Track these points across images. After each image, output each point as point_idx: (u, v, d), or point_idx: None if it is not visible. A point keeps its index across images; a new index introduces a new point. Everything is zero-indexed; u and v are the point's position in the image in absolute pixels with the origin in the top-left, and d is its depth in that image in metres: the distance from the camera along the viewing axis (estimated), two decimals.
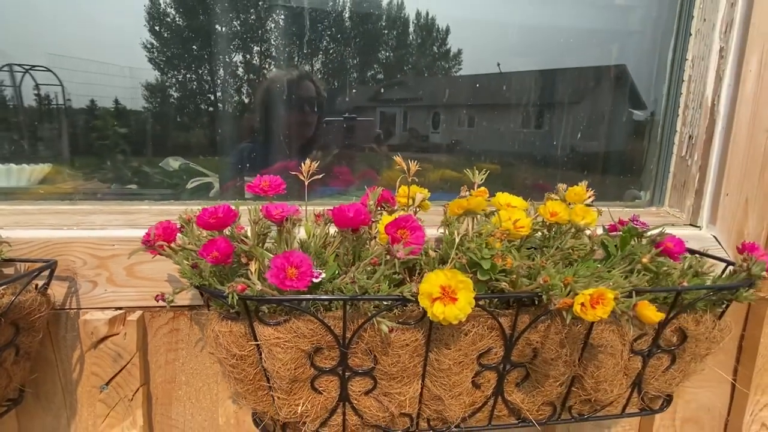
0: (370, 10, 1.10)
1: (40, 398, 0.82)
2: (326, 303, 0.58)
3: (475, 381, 0.65)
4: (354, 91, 1.13)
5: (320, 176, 0.79)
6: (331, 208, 0.66)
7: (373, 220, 0.73)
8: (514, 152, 1.15)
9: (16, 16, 1.01)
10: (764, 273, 0.64)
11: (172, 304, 0.56)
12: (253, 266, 0.60)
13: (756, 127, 0.88)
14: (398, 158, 0.73)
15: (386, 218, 0.65)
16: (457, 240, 0.59)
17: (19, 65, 1.07)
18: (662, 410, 0.75)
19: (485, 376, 0.65)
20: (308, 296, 0.56)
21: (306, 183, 0.78)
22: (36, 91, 1.09)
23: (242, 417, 0.85)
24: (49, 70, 1.08)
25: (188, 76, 1.13)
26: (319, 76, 1.11)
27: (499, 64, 1.17)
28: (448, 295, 0.55)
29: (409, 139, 1.20)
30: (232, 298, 0.51)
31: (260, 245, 0.67)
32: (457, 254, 0.62)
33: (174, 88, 1.13)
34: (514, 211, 0.69)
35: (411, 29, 1.13)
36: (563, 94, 1.16)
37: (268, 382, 0.61)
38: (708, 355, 0.71)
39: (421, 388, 0.64)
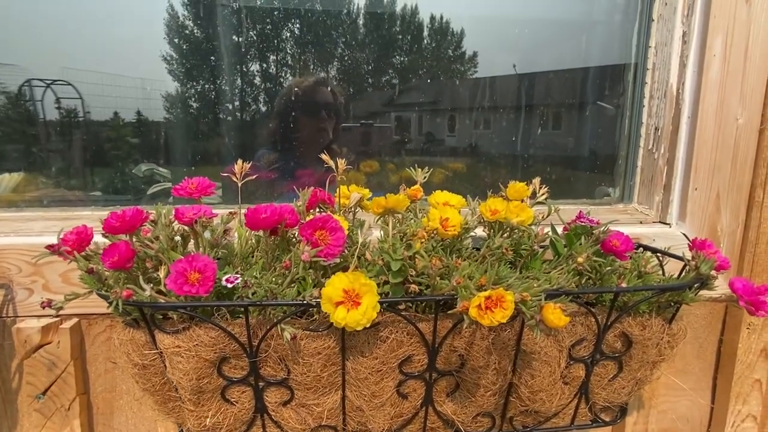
0: (384, 16, 1.10)
1: None
2: (231, 310, 0.55)
3: (400, 391, 0.61)
4: (369, 96, 1.12)
5: (254, 177, 0.77)
6: None
7: (302, 221, 0.70)
8: (516, 152, 1.10)
9: (33, 32, 1.00)
10: (713, 272, 0.59)
11: (65, 312, 0.54)
12: (162, 271, 0.58)
13: (724, 116, 0.82)
14: (325, 156, 0.70)
15: None
16: (360, 240, 0.55)
17: (40, 80, 1.07)
18: (616, 422, 0.70)
19: (411, 385, 0.61)
20: (199, 303, 0.53)
21: (239, 184, 0.76)
22: (58, 105, 1.08)
23: None
24: (70, 84, 1.08)
25: (205, 86, 1.11)
26: (335, 83, 1.11)
27: (515, 66, 1.14)
28: (351, 299, 0.51)
29: (424, 143, 1.19)
30: (116, 304, 0.49)
31: (179, 249, 0.64)
32: (380, 256, 0.59)
33: (193, 99, 1.12)
34: (445, 210, 0.65)
35: (425, 33, 1.12)
36: (557, 95, 1.12)
37: (177, 392, 0.58)
38: (661, 362, 0.65)
39: (343, 399, 0.60)
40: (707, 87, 0.81)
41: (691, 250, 0.62)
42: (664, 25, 0.86)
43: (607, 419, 0.69)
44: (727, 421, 0.89)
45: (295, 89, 1.09)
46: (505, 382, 0.61)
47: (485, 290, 0.51)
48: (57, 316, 0.78)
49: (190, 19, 1.07)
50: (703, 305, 0.88)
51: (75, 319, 0.79)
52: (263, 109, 1.14)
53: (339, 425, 0.62)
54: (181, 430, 0.68)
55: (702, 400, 0.92)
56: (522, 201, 0.74)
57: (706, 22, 0.79)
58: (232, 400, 0.58)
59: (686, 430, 0.93)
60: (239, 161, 0.74)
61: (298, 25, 1.08)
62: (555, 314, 0.46)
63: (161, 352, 0.55)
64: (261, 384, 0.58)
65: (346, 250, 0.62)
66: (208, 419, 0.57)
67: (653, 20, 0.88)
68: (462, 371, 0.60)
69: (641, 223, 0.90)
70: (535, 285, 0.51)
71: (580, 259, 0.59)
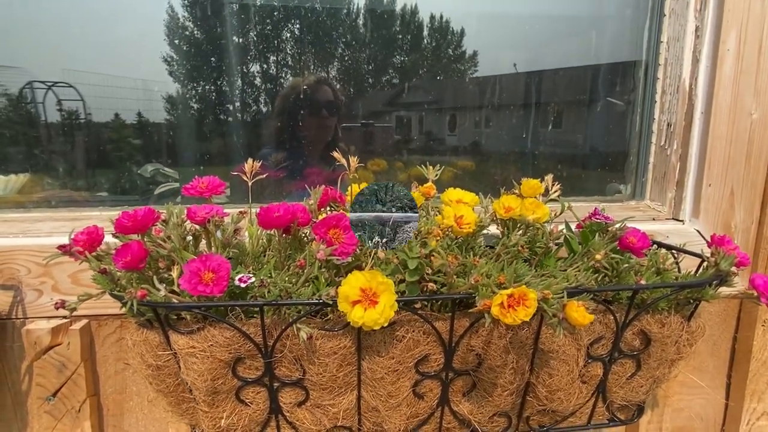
0: (384, 16, 1.09)
1: None
2: (245, 310, 0.55)
3: (416, 391, 0.60)
4: (370, 96, 1.12)
5: (264, 176, 0.76)
6: None
7: (314, 220, 0.69)
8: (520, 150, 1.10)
9: (33, 33, 0.99)
10: (734, 268, 0.58)
11: (75, 313, 0.53)
12: (175, 271, 0.57)
13: (738, 111, 0.81)
14: (337, 154, 0.69)
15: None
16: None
17: (41, 82, 1.06)
18: (632, 421, 0.69)
19: (427, 385, 0.60)
20: (214, 303, 0.52)
21: (249, 183, 0.75)
22: (59, 107, 1.07)
23: None
24: (71, 86, 1.07)
25: (207, 87, 1.11)
26: (335, 83, 1.10)
27: (515, 65, 1.14)
28: (368, 298, 0.51)
29: (425, 142, 1.19)
30: (131, 305, 0.48)
31: (190, 249, 0.64)
32: (395, 254, 0.58)
33: (194, 99, 1.11)
34: (459, 207, 0.65)
35: (425, 32, 1.11)
36: (565, 93, 1.11)
37: (191, 394, 0.57)
38: (680, 360, 0.65)
39: (358, 399, 0.59)
40: (721, 82, 0.80)
41: (709, 246, 0.62)
42: (677, 20, 0.85)
43: (624, 418, 0.68)
44: (741, 419, 0.88)
45: (296, 88, 1.08)
46: (522, 381, 0.60)
47: (505, 288, 0.50)
48: (67, 317, 0.78)
49: (190, 20, 1.06)
50: (717, 302, 0.87)
51: (85, 321, 0.78)
52: (264, 109, 1.13)
53: (354, 426, 0.61)
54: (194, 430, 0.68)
55: (717, 397, 0.91)
56: (535, 198, 0.73)
57: (720, 17, 0.78)
58: (247, 400, 0.58)
59: (701, 429, 0.92)
60: (249, 160, 0.74)
61: (298, 25, 1.08)
62: (579, 312, 0.45)
63: (175, 353, 0.55)
64: (276, 384, 0.57)
65: (358, 249, 0.62)
66: (222, 420, 0.57)
67: (665, 15, 0.87)
68: (479, 371, 0.59)
69: (654, 220, 0.89)
70: (554, 283, 0.50)
71: (598, 256, 0.58)
